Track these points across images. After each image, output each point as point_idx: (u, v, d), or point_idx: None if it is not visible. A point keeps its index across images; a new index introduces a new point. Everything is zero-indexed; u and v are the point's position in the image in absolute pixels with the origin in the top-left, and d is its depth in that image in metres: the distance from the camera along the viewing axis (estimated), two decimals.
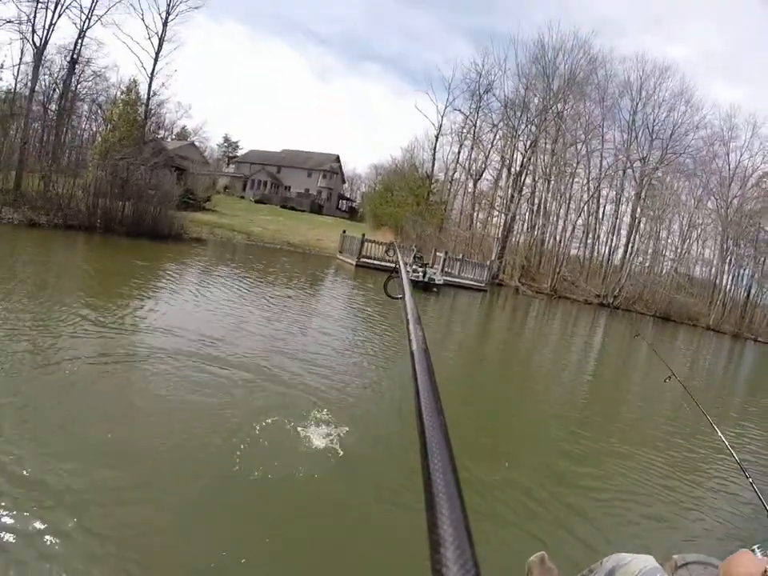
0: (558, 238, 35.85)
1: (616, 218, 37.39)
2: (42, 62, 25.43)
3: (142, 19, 31.74)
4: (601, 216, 37.64)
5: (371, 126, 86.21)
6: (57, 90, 26.99)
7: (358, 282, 17.79)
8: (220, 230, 26.31)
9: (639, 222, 36.30)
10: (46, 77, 26.62)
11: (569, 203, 36.41)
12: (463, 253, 27.65)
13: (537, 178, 35.06)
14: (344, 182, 63.89)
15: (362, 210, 56.09)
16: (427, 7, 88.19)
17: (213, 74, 75.13)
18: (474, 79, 37.35)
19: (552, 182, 34.70)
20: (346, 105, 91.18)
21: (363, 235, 23.94)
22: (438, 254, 24.36)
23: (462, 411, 5.75)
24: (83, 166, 23.80)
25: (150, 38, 30.21)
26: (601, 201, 37.41)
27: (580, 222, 36.80)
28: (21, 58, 26.05)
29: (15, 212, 18.41)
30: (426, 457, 0.28)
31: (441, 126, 39.04)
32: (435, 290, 18.55)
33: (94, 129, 32.04)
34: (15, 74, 26.82)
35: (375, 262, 22.10)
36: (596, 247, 37.63)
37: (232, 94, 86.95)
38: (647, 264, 36.54)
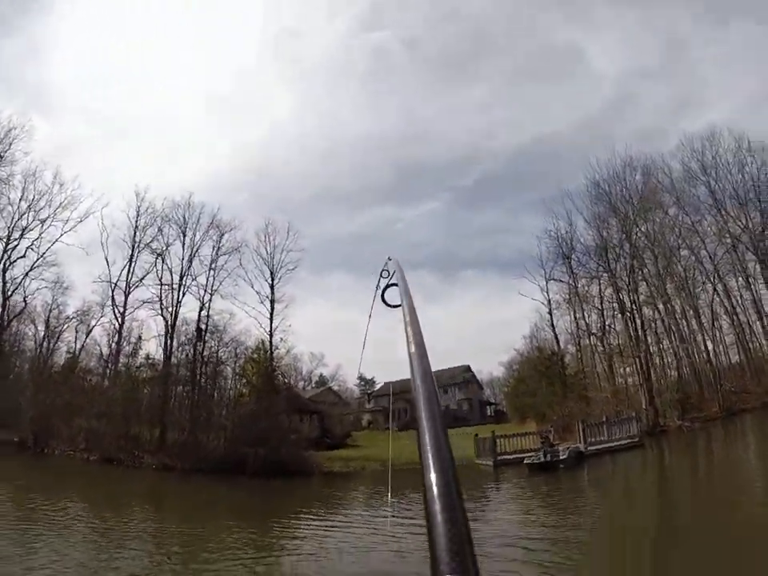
0: (704, 355, 31.80)
1: (755, 301, 32.44)
2: (176, 332, 32.33)
3: (252, 287, 37.58)
4: (735, 306, 33.35)
5: (492, 327, 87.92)
6: (188, 355, 32.86)
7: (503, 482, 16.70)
8: (354, 461, 26.94)
9: None
10: (186, 346, 32.94)
11: (696, 310, 33.10)
12: (609, 414, 24.89)
13: (655, 307, 32.82)
14: (481, 388, 63.26)
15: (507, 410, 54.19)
16: (492, 201, 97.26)
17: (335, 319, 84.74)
18: (555, 244, 38.52)
19: (671, 301, 32.19)
20: (461, 317, 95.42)
21: (493, 432, 22.99)
22: (578, 426, 22.31)
23: None
24: (220, 419, 28.01)
25: (262, 302, 36.40)
26: (730, 295, 33.49)
27: (726, 325, 32.93)
28: (164, 332, 33.26)
29: (155, 458, 22.66)
30: (424, 459, 0.29)
31: (549, 300, 39.14)
32: (561, 465, 16.62)
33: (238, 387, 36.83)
34: (162, 344, 33.44)
35: (513, 456, 20.66)
36: (750, 340, 32.43)
37: (355, 335, 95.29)
38: None
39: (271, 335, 36.14)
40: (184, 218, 37.62)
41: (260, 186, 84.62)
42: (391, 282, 1.78)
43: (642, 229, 34.31)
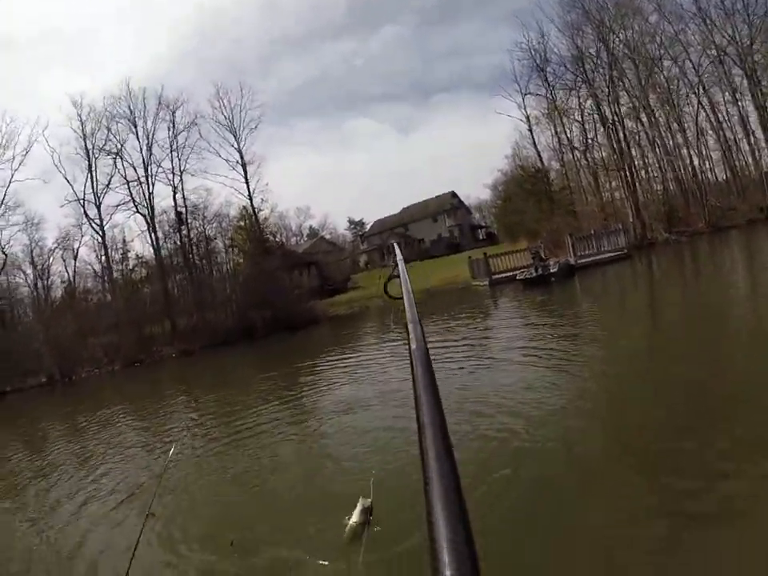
0: (690, 170, 31.77)
1: (742, 118, 31.83)
2: (157, 225, 33.10)
3: (219, 155, 36.82)
4: (722, 122, 32.57)
5: (473, 151, 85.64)
6: (176, 242, 33.43)
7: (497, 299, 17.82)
8: (357, 302, 28.40)
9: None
10: (171, 235, 33.58)
11: (682, 128, 32.43)
12: (597, 228, 25.72)
13: (638, 119, 32.05)
14: (470, 212, 64.09)
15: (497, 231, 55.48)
16: (460, 19, 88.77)
17: (312, 169, 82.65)
18: (528, 57, 36.06)
19: (658, 114, 31.44)
20: (439, 144, 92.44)
21: (485, 254, 23.86)
22: (567, 240, 23.13)
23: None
24: (224, 293, 29.54)
25: (233, 169, 35.60)
26: (716, 110, 32.52)
27: (711, 142, 32.44)
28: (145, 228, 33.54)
29: (172, 347, 25.11)
30: (424, 453, 0.27)
31: (528, 117, 37.81)
32: (553, 279, 17.58)
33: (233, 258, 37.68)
34: (148, 240, 34.01)
35: (508, 274, 21.68)
36: (737, 157, 32.33)
37: (335, 180, 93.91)
38: None
39: (251, 199, 35.95)
40: (130, 108, 34.50)
41: (204, 53, 75.00)
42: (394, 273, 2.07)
43: (621, 37, 32.18)
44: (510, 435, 4.54)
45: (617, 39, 32.29)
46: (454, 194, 60.31)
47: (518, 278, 19.10)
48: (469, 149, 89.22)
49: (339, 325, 23.71)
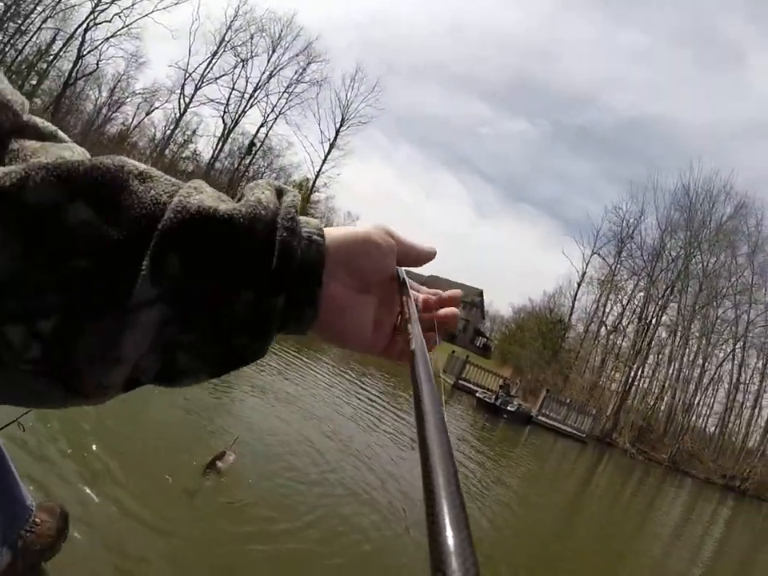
0: (687, 402, 31.77)
1: (761, 392, 31.98)
2: (230, 139, 33.02)
3: (318, 124, 38.23)
4: (743, 387, 32.63)
5: (520, 268, 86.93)
6: (233, 163, 33.83)
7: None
8: None
9: None
10: (234, 155, 33.79)
11: (703, 366, 32.52)
12: (573, 400, 25.49)
13: (673, 335, 32.24)
14: (483, 317, 64.28)
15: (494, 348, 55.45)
16: (587, 155, 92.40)
17: (380, 188, 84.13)
18: (618, 224, 36.92)
19: (691, 342, 31.41)
20: (499, 243, 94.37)
21: (467, 357, 23.74)
22: (542, 392, 22.99)
23: None
24: None
25: (322, 143, 36.33)
26: (746, 371, 32.69)
27: (721, 392, 32.60)
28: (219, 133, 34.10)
29: None
30: (426, 456, 0.26)
31: (584, 273, 38.32)
32: (505, 416, 17.40)
33: None
34: (213, 145, 34.30)
35: (472, 386, 21.52)
36: (732, 420, 32.25)
37: (393, 210, 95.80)
38: None
39: (317, 176, 36.40)
40: (280, 33, 36.27)
41: (371, 32, 78.70)
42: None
43: (704, 258, 32.90)
44: None
45: (699, 258, 33.01)
46: (481, 293, 60.66)
47: (477, 394, 19.00)
48: (517, 263, 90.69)
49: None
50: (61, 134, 0.64)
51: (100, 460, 3.03)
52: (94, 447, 3.12)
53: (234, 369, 0.45)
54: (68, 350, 0.34)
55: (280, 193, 0.47)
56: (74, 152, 0.60)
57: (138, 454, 3.46)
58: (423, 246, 0.57)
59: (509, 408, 17.94)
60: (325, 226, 0.48)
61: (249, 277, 0.40)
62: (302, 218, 0.46)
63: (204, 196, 0.41)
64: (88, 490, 2.68)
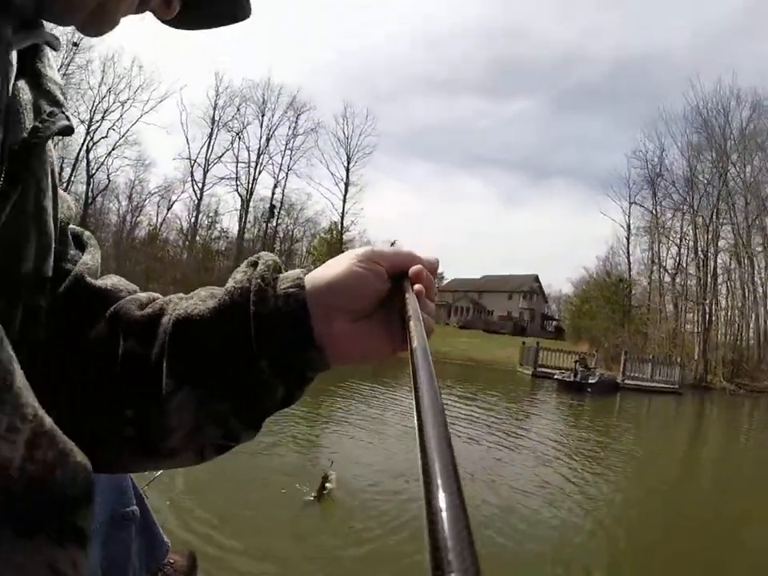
0: None
1: None
2: (251, 208, 36.29)
3: (327, 168, 39.84)
4: None
5: (566, 241, 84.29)
6: (260, 230, 36.25)
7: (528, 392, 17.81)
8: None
9: None
10: (260, 222, 36.71)
11: None
12: (656, 355, 25.02)
13: (735, 257, 31.15)
14: (546, 301, 63.34)
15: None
16: (592, 110, 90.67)
17: (405, 209, 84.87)
18: (643, 167, 36.32)
19: (756, 259, 30.30)
20: (537, 222, 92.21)
21: (538, 343, 23.96)
22: (622, 357, 22.82)
23: None
24: None
25: (336, 184, 38.00)
26: None
27: None
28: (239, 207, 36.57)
29: None
30: (426, 456, 0.22)
31: (629, 225, 37.52)
32: (589, 390, 17.48)
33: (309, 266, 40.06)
34: (237, 219, 37.15)
35: (552, 371, 21.55)
36: None
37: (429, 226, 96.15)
38: None
39: (343, 216, 37.91)
40: (263, 97, 38.88)
41: (345, 65, 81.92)
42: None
43: (738, 170, 31.81)
44: None
45: (734, 171, 32.07)
46: (536, 279, 59.94)
47: (555, 377, 19.10)
48: (563, 238, 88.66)
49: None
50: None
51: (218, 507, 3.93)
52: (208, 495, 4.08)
53: (259, 424, 0.52)
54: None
55: (255, 265, 0.53)
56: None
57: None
58: (401, 250, 0.54)
59: (590, 381, 18.06)
60: None
61: (236, 353, 0.47)
62: (281, 276, 0.51)
63: (190, 302, 0.52)
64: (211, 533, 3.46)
